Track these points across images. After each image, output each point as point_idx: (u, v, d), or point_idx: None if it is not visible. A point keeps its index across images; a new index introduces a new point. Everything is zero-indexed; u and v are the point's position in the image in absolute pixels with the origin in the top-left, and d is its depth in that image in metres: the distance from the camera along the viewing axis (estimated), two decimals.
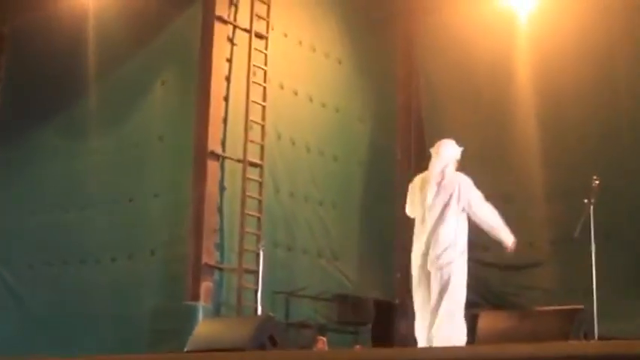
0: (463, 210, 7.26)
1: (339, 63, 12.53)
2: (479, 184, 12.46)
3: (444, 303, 7.05)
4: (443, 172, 7.42)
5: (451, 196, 7.24)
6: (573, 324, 6.81)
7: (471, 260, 12.00)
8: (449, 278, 7.09)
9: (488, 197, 12.25)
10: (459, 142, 12.60)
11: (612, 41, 11.69)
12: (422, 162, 13.06)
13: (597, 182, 7.97)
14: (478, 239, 12.03)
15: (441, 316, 6.98)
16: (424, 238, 7.19)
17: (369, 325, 11.88)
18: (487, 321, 7.21)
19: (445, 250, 7.08)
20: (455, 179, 7.39)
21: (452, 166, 7.54)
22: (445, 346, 6.67)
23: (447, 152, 7.63)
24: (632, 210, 11.05)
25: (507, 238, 7.53)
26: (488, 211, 7.39)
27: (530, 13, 11.95)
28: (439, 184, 7.37)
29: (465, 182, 7.37)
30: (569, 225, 8.25)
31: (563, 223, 8.77)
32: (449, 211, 7.22)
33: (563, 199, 10.72)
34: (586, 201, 7.88)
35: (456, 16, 12.81)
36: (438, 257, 7.06)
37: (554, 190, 11.58)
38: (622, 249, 10.64)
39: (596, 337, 7.23)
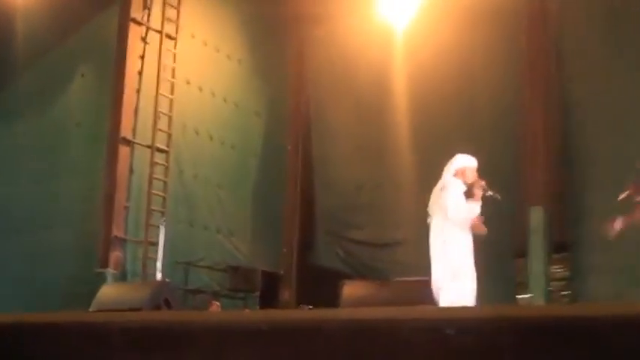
0: None
1: (240, 63, 12.72)
2: (359, 175, 13.20)
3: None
4: None
5: None
6: (422, 293, 7.11)
7: (345, 239, 12.86)
8: None
9: (366, 185, 13.05)
10: (341, 139, 13.37)
11: (472, 53, 12.12)
12: (310, 153, 13.75)
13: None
14: (352, 220, 12.87)
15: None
16: None
17: (257, 293, 11.95)
18: (350, 289, 7.62)
19: None
20: None
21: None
22: (314, 310, 7.22)
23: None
24: None
25: None
26: None
27: (406, 27, 12.10)
28: None
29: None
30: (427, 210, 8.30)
31: (423, 208, 8.63)
32: None
33: (424, 188, 10.32)
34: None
35: (341, 28, 13.01)
36: None
37: (418, 180, 11.58)
38: None
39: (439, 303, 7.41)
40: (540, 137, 11.47)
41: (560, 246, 11.42)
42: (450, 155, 9.43)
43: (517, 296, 11.41)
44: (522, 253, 11.47)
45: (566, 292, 11.47)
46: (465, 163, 7.68)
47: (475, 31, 12.08)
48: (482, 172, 11.46)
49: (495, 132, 11.64)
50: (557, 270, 11.48)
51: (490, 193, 7.67)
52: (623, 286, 10.33)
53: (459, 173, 7.58)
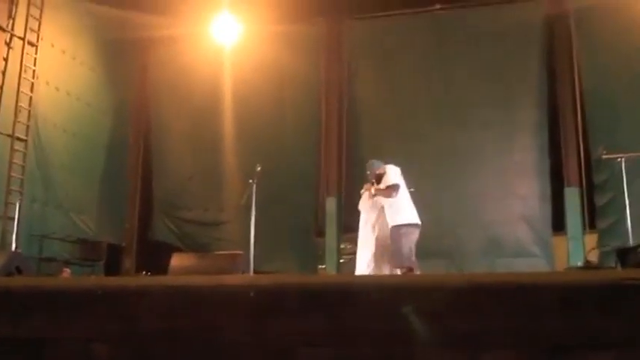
0: None
1: (92, 69, 12.64)
2: (189, 167, 13.27)
3: None
4: None
5: None
6: (236, 263, 7.33)
7: (178, 218, 13.27)
8: None
9: (195, 175, 13.18)
10: (175, 137, 13.57)
11: (282, 70, 12.64)
12: (149, 147, 13.89)
13: (259, 168, 8.70)
14: (183, 203, 13.27)
15: None
16: None
17: (102, 262, 12.00)
18: (177, 259, 7.56)
19: None
20: None
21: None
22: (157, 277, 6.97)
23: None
24: (280, 187, 11.76)
25: None
26: None
27: (232, 46, 12.27)
28: None
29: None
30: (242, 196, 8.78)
31: (239, 194, 9.30)
32: None
33: (240, 179, 11.00)
34: (250, 181, 8.61)
35: (180, 47, 13.16)
36: None
37: (237, 173, 12.09)
38: (275, 214, 11.29)
39: (251, 272, 8.03)
40: (335, 142, 12.45)
41: (349, 227, 11.58)
42: (263, 155, 10.23)
43: (318, 266, 12.07)
44: (322, 233, 12.23)
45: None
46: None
47: (285, 53, 12.56)
48: (289, 172, 12.45)
49: (300, 137, 12.47)
50: (347, 246, 11.84)
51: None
52: None
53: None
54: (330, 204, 12.18)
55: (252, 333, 2.12)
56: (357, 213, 12.03)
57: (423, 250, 11.06)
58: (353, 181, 11.90)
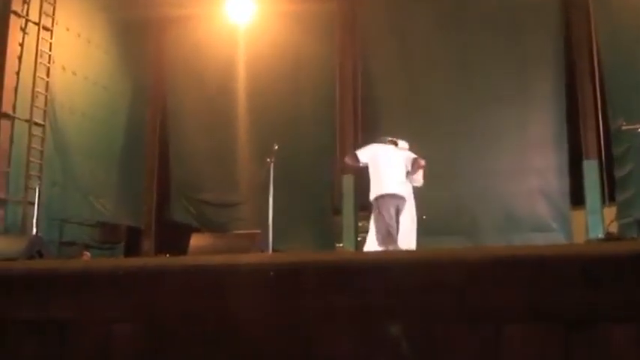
0: None
1: (107, 52, 12.71)
2: (206, 149, 13.29)
3: None
4: None
5: None
6: (254, 242, 7.49)
7: (195, 199, 13.29)
8: None
9: (211, 157, 13.13)
10: (192, 119, 13.61)
11: (297, 48, 12.66)
12: (166, 129, 13.97)
13: (276, 147, 8.64)
14: (200, 185, 13.26)
15: None
16: None
17: (122, 244, 12.32)
18: (196, 240, 7.68)
19: None
20: None
21: None
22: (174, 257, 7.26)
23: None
24: (297, 166, 11.73)
25: None
26: None
27: (246, 25, 12.44)
28: None
29: None
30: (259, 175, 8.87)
31: (256, 174, 9.45)
32: None
33: (257, 159, 11.10)
34: (268, 159, 8.55)
35: (194, 25, 13.17)
36: None
37: (253, 155, 12.20)
38: (292, 193, 11.17)
39: (270, 251, 7.89)
40: (350, 119, 12.39)
41: (366, 205, 11.95)
42: (279, 135, 10.16)
43: (336, 244, 12.11)
44: (339, 211, 12.23)
45: None
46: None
47: (299, 32, 12.58)
48: (306, 151, 12.45)
49: (315, 114, 12.46)
50: (365, 224, 11.68)
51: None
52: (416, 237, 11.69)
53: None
54: (347, 182, 12.14)
55: (272, 312, 2.11)
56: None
57: (440, 227, 11.22)
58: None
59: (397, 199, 7.77)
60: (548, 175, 11.33)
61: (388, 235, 7.54)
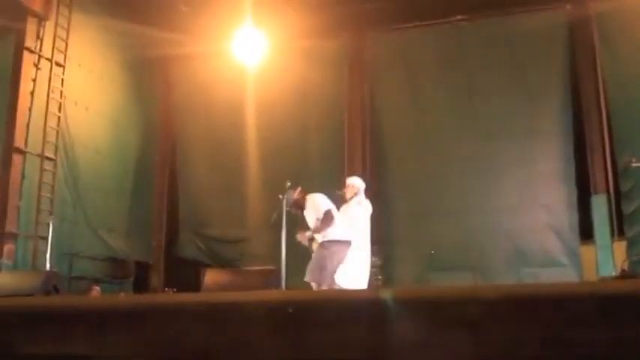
0: None
1: (119, 88, 12.84)
2: (214, 186, 13.28)
3: None
4: None
5: None
6: (268, 279, 7.60)
7: (202, 235, 13.25)
8: None
9: (219, 194, 13.16)
10: (200, 157, 13.58)
11: (306, 85, 12.74)
12: (174, 166, 13.98)
13: (289, 184, 8.35)
14: (208, 221, 13.25)
15: None
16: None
17: (131, 279, 12.24)
18: (211, 276, 7.75)
19: None
20: None
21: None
22: (178, 293, 6.98)
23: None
24: None
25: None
26: None
27: (256, 67, 12.28)
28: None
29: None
30: (271, 213, 8.42)
31: (268, 212, 8.85)
32: None
33: (269, 195, 10.27)
34: (280, 196, 8.31)
35: (203, 66, 13.33)
36: None
37: (260, 189, 12.27)
38: (303, 229, 10.92)
39: (283, 287, 7.89)
40: (359, 156, 12.42)
41: (375, 240, 12.08)
42: (288, 171, 10.16)
43: None
44: None
45: (379, 277, 11.56)
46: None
47: (308, 69, 12.65)
48: (314, 187, 12.33)
49: (324, 151, 12.45)
50: (373, 259, 12.41)
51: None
52: (423, 272, 11.31)
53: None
54: None
55: (292, 348, 2.11)
56: (381, 227, 11.94)
57: (449, 262, 11.19)
58: (377, 195, 11.86)
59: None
60: (557, 210, 11.30)
61: (332, 280, 7.55)
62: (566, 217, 11.25)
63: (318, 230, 7.71)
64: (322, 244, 7.71)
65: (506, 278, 10.78)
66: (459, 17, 12.17)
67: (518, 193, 11.50)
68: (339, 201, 8.37)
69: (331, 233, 7.65)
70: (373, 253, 12.05)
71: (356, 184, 8.42)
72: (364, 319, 2.03)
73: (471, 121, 11.88)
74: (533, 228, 11.28)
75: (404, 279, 11.48)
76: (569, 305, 1.92)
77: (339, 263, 7.55)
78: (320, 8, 12.16)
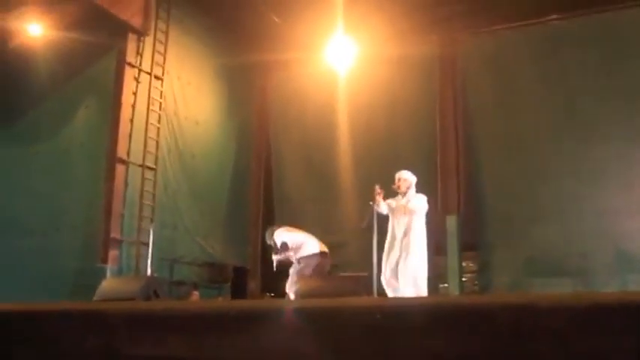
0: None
1: (216, 99, 13.23)
2: (308, 190, 13.45)
3: None
4: None
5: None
6: (360, 285, 7.41)
7: None
8: None
9: (314, 199, 13.30)
10: (294, 162, 13.76)
11: (397, 91, 12.69)
12: (270, 171, 14.14)
13: (379, 191, 8.55)
14: (304, 225, 12.79)
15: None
16: None
17: (229, 284, 12.43)
18: (303, 282, 7.81)
19: None
20: None
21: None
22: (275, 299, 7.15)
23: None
24: None
25: None
26: None
27: (347, 72, 12.38)
28: None
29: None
30: (362, 218, 8.59)
31: (359, 217, 9.19)
32: None
33: (359, 201, 10.75)
34: (371, 203, 8.45)
35: (296, 72, 13.59)
36: None
37: (353, 194, 12.26)
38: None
39: (375, 294, 7.81)
40: (452, 160, 12.27)
41: (471, 245, 11.92)
42: (379, 176, 10.18)
43: (439, 285, 11.85)
44: (441, 251, 11.85)
45: (476, 283, 11.95)
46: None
47: (399, 76, 12.67)
48: None
49: (416, 156, 12.19)
50: (469, 265, 12.05)
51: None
52: (521, 278, 11.03)
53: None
54: (451, 222, 11.99)
55: (380, 355, 2.12)
56: (477, 231, 12.02)
57: (548, 268, 10.89)
58: (472, 199, 12.02)
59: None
60: None
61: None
62: None
63: (279, 256, 9.38)
64: (297, 261, 9.13)
65: (610, 284, 10.37)
66: (553, 16, 11.82)
67: (621, 196, 11.02)
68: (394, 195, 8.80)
69: (303, 250, 9.11)
70: (468, 258, 12.13)
71: (409, 177, 8.82)
72: (450, 326, 2.04)
73: (569, 122, 11.48)
74: (638, 233, 10.80)
75: (501, 285, 11.26)
76: None
77: (314, 270, 8.88)
78: (409, 13, 12.10)
